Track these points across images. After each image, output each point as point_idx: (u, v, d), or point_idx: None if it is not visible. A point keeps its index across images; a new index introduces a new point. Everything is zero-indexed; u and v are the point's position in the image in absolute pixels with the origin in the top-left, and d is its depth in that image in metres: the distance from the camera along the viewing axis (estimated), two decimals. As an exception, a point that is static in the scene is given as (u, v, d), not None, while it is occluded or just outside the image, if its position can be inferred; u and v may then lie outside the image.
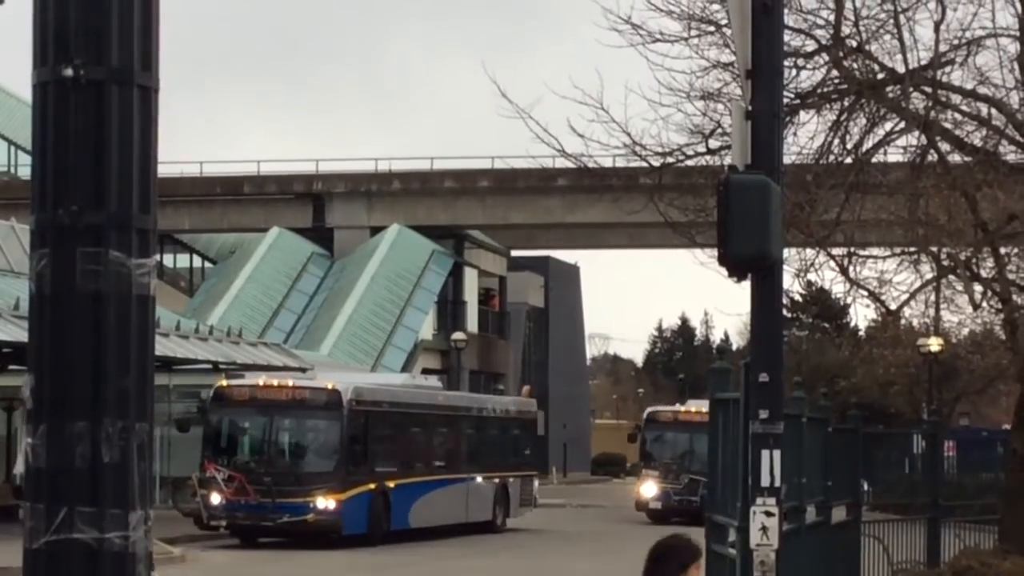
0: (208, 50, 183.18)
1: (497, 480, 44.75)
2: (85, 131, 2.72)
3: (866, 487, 21.26)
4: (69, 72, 2.72)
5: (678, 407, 52.64)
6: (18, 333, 26.15)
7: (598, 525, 47.36)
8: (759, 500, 10.23)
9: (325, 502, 35.31)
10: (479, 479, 43.50)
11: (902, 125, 18.54)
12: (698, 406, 42.89)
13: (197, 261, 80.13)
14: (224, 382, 39.28)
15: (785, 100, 14.15)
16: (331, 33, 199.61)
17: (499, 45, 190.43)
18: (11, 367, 33.00)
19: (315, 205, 73.35)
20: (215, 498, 35.36)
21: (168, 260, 77.08)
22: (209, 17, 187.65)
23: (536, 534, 44.22)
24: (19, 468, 31.63)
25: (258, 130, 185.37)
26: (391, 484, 37.87)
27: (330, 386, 37.19)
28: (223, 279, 70.41)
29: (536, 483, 48.91)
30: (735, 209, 10.08)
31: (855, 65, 17.97)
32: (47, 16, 2.75)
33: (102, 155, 2.72)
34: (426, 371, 62.72)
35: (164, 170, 63.92)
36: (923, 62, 17.92)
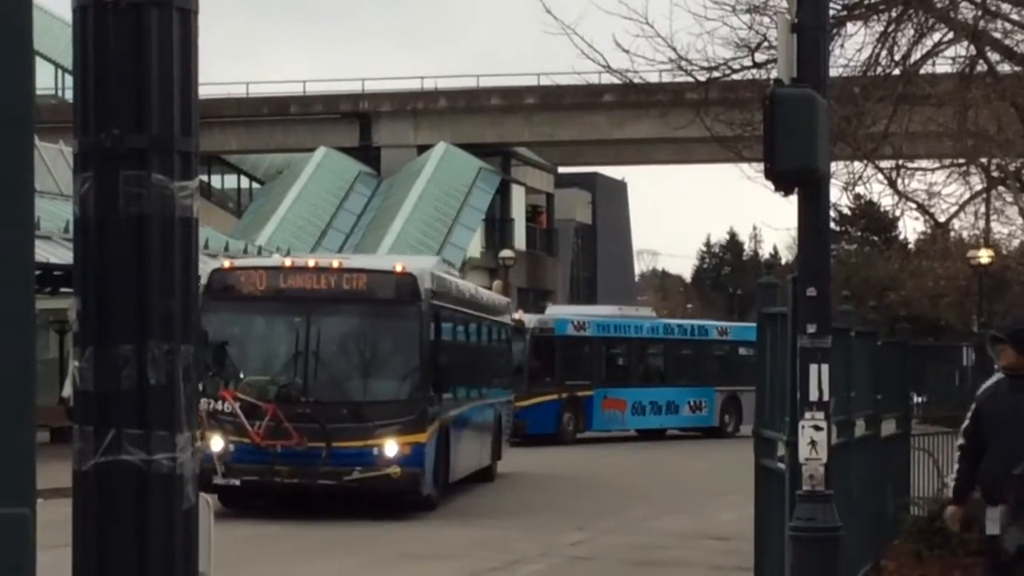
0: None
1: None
2: (125, 54, 2.71)
3: (916, 400, 21.24)
4: (108, -6, 2.71)
5: None
6: (68, 255, 26.13)
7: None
8: (807, 415, 10.25)
9: (403, 445, 22.49)
10: None
11: (951, 35, 18.41)
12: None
13: (245, 182, 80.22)
14: (226, 262, 25.80)
15: (832, 12, 14.05)
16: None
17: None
18: (62, 289, 33.05)
19: (361, 124, 73.21)
20: (220, 444, 22.34)
21: (216, 181, 77.26)
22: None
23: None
24: (67, 391, 28.00)
25: (303, 51, 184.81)
26: (451, 416, 25.92)
27: (399, 268, 24.14)
28: (271, 199, 70.49)
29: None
30: (781, 123, 10.06)
31: (903, -26, 17.82)
32: (85, -62, 2.75)
33: (142, 78, 2.72)
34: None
35: (209, 92, 64.02)
36: (972, -31, 17.80)
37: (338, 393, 23.57)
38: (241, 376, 23.57)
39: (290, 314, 23.40)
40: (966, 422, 10.40)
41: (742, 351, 51.11)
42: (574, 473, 33.34)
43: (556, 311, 50.74)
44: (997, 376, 10.33)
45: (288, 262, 25.01)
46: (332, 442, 22.04)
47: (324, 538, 20.40)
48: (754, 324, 45.44)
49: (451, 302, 26.53)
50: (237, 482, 22.04)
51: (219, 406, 22.68)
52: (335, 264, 24.76)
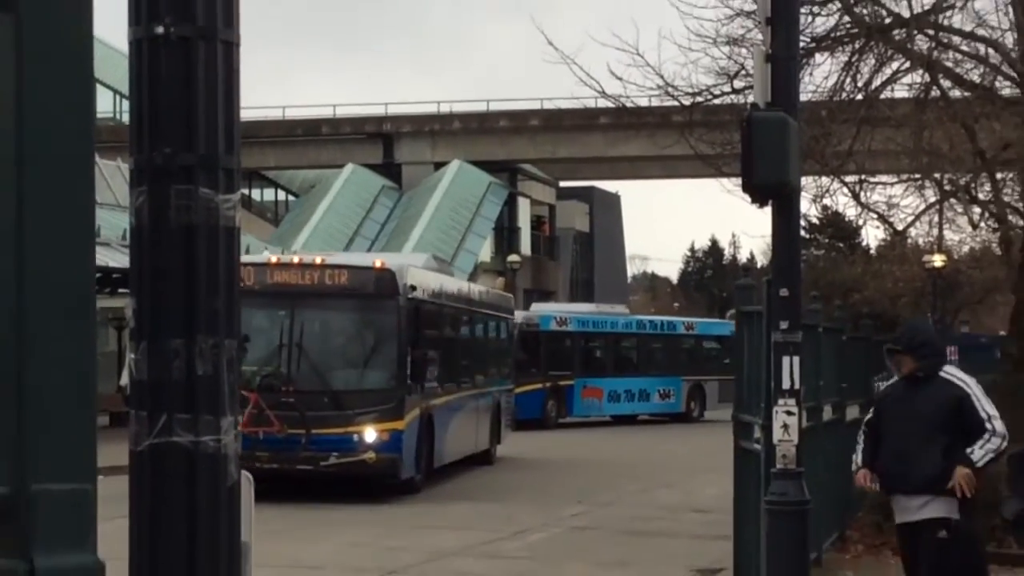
0: (284, 8, 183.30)
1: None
2: (175, 82, 2.73)
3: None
4: (160, 30, 2.73)
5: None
6: (125, 260, 26.12)
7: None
8: (781, 401, 10.24)
9: (381, 432, 21.40)
10: None
11: (907, 64, 18.40)
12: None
13: (281, 195, 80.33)
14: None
15: (801, 44, 14.03)
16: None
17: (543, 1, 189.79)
18: (120, 290, 33.14)
19: (385, 143, 73.38)
20: None
21: (256, 194, 77.42)
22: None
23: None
24: (125, 380, 28.18)
25: (333, 78, 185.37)
26: (435, 404, 24.30)
27: (378, 264, 22.99)
28: (304, 210, 70.55)
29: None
30: (757, 142, 10.04)
31: (865, 11, 17.81)
32: (140, -20, 2.76)
33: (191, 103, 2.73)
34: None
35: (250, 114, 64.08)
36: (926, 7, 17.78)
37: (319, 383, 22.04)
38: None
39: (276, 308, 21.74)
40: (869, 415, 10.39)
41: (706, 344, 51.96)
42: (565, 454, 33.17)
43: (540, 308, 50.62)
44: (895, 378, 10.32)
45: (274, 259, 23.20)
46: (311, 429, 20.89)
47: (336, 516, 20.34)
48: (717, 320, 45.95)
49: (435, 297, 25.13)
50: None
51: None
52: (318, 261, 23.22)
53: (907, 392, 9.79)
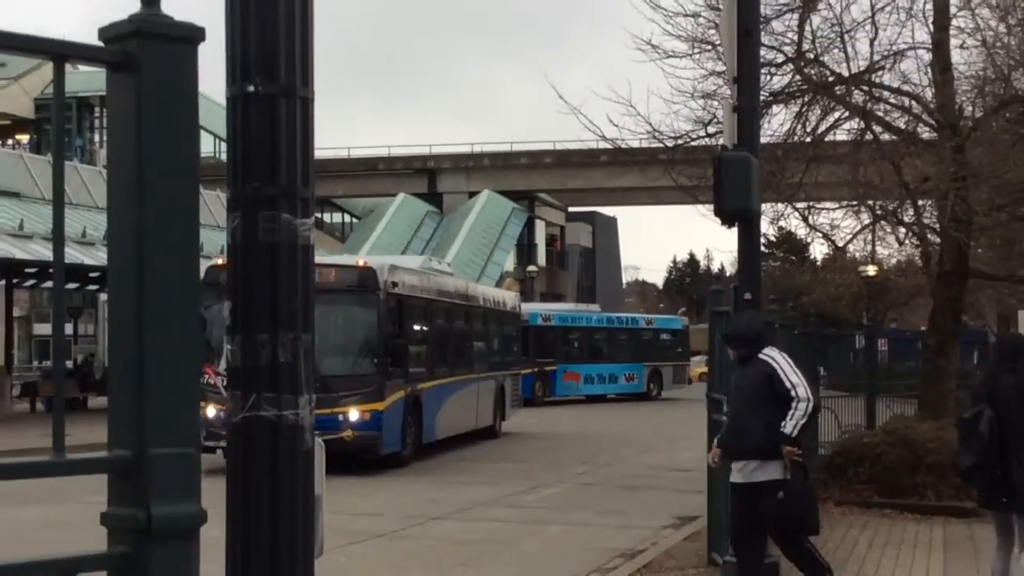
0: (347, 66, 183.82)
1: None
2: (262, 130, 2.75)
3: (822, 372, 21.16)
4: (251, 88, 2.75)
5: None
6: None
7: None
8: (745, 383, 10.21)
9: (362, 413, 19.98)
10: None
11: (847, 114, 18.40)
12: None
13: (347, 218, 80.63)
14: (219, 260, 19.39)
15: (761, 98, 14.03)
16: (431, 55, 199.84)
17: (554, 62, 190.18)
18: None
19: (429, 177, 73.67)
20: (213, 411, 18.85)
21: (326, 217, 77.73)
22: (348, 42, 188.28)
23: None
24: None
25: (388, 124, 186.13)
26: (424, 387, 22.80)
27: (361, 263, 21.71)
28: (364, 231, 70.77)
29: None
30: (726, 176, 10.06)
31: (812, 72, 17.80)
32: (235, 48, 2.79)
33: (275, 146, 2.75)
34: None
35: (322, 153, 64.30)
36: (862, 68, 17.77)
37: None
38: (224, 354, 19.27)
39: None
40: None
41: (662, 336, 51.68)
42: (557, 428, 32.76)
43: (529, 307, 50.55)
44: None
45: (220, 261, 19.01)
46: None
47: (376, 478, 20.31)
48: (671, 317, 45.52)
49: (422, 292, 23.34)
50: (218, 445, 16.64)
51: (203, 380, 18.03)
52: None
53: (737, 374, 9.69)
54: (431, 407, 23.23)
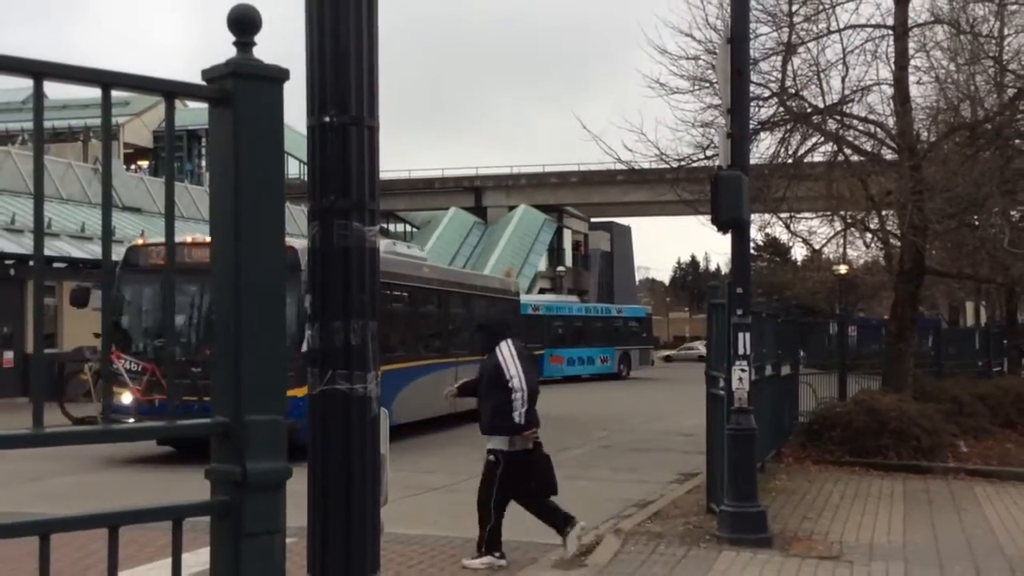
0: (405, 105, 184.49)
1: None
2: (336, 154, 2.76)
3: (802, 354, 21.03)
4: (327, 119, 2.76)
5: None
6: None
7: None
8: (737, 363, 10.20)
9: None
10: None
11: (822, 139, 18.28)
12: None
13: (408, 228, 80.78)
14: (140, 240, 18.27)
15: (751, 126, 13.94)
16: (469, 92, 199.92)
17: (578, 98, 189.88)
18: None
19: (476, 194, 73.73)
20: (124, 399, 15.95)
21: (391, 227, 77.82)
22: (404, 85, 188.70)
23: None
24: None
25: (440, 151, 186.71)
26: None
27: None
28: (422, 239, 70.76)
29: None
30: (721, 192, 10.00)
31: (793, 104, 17.68)
32: (314, 86, 2.80)
33: (347, 167, 2.76)
34: (542, 291, 63.14)
35: (386, 175, 64.58)
36: (835, 101, 17.65)
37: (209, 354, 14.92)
38: (137, 339, 16.88)
39: (186, 284, 15.75)
40: None
41: (631, 324, 50.01)
42: (569, 404, 30.34)
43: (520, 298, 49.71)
44: None
45: (190, 238, 16.28)
46: (203, 396, 14.30)
47: (429, 439, 20.27)
48: (638, 307, 44.41)
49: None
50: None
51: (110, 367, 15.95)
52: None
53: (483, 362, 9.55)
54: (386, 393, 18.87)
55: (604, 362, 46.84)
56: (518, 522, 11.13)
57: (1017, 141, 19.74)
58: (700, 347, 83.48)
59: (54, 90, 75.91)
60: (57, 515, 2.22)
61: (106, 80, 2.22)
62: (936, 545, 9.97)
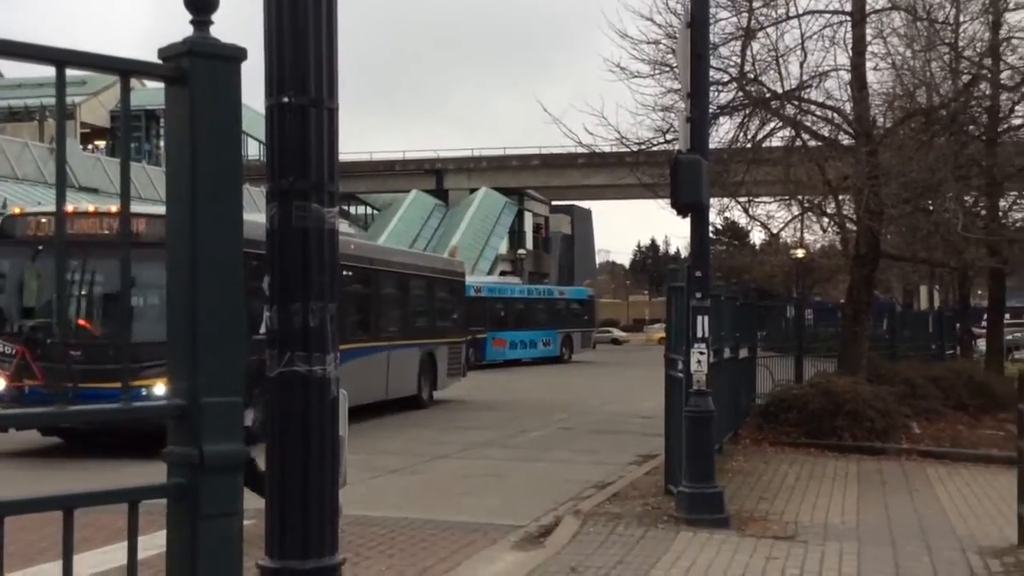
0: (364, 85, 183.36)
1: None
2: (295, 135, 2.73)
3: (760, 336, 21.20)
4: (285, 100, 2.73)
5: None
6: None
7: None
8: (696, 345, 10.25)
9: (152, 388, 12.28)
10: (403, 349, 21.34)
11: (780, 124, 18.36)
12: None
13: (368, 210, 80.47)
14: (16, 209, 15.73)
15: (710, 111, 13.99)
16: (430, 74, 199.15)
17: (540, 81, 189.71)
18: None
19: (437, 176, 73.58)
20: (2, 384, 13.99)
21: (351, 210, 77.51)
22: (363, 64, 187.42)
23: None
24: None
25: (401, 133, 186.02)
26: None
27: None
28: (383, 221, 70.74)
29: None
30: (680, 176, 10.03)
31: (752, 89, 17.75)
32: (272, 66, 2.77)
33: (306, 148, 2.73)
34: (503, 273, 63.07)
35: (347, 156, 64.21)
36: (793, 86, 17.74)
37: (95, 335, 13.87)
38: (12, 318, 14.63)
39: (69, 257, 12.57)
40: None
41: (572, 306, 49.05)
42: (524, 390, 30.43)
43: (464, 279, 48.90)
44: None
45: (71, 208, 14.21)
46: (79, 383, 12.57)
47: (394, 420, 20.21)
48: (579, 287, 43.77)
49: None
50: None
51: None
52: (114, 209, 14.40)
53: None
54: None
55: (546, 345, 45.82)
56: (478, 504, 11.13)
57: (971, 127, 19.98)
58: (614, 331, 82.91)
59: (8, 68, 74.61)
60: (11, 497, 2.19)
61: (59, 58, 2.18)
62: (889, 525, 10.11)
